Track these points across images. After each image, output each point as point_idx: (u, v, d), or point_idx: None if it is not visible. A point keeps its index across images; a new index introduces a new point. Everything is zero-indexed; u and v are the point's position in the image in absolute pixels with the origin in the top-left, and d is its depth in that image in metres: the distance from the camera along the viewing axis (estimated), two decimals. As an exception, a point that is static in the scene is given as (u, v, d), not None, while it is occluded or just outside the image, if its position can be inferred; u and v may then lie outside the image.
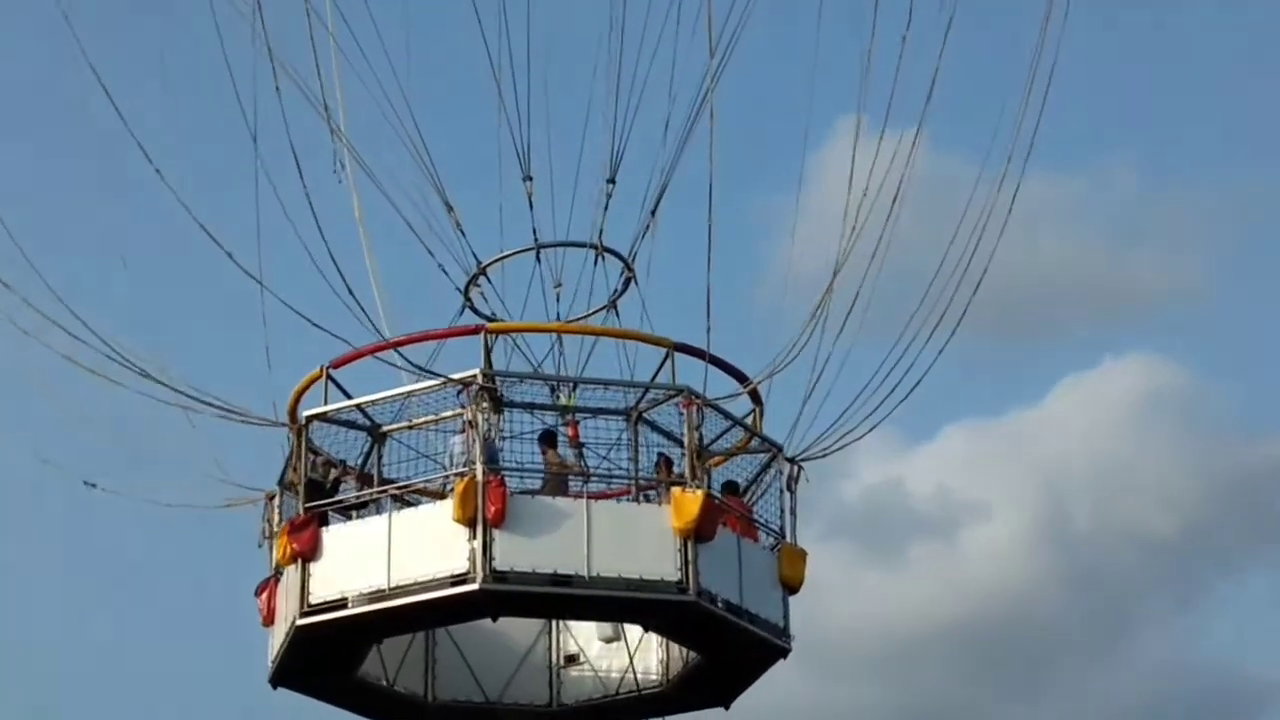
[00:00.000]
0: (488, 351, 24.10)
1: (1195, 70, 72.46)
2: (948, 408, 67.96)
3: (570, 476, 23.92)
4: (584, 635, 26.46)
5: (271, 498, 25.58)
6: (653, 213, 26.77)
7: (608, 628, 26.01)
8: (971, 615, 58.98)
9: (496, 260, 27.38)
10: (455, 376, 23.46)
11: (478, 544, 22.49)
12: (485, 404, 23.28)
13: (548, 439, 23.98)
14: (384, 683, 25.53)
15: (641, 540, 23.17)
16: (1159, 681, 58.88)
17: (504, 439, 23.98)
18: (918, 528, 62.13)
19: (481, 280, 27.23)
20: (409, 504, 24.51)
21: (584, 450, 24.39)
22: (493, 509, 22.64)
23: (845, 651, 57.83)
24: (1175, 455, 64.36)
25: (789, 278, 25.80)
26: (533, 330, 25.79)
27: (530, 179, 27.23)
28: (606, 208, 27.09)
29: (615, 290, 27.23)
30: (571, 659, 26.54)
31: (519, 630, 26.35)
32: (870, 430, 24.73)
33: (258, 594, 25.47)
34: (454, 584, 22.75)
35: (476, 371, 23.54)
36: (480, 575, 22.44)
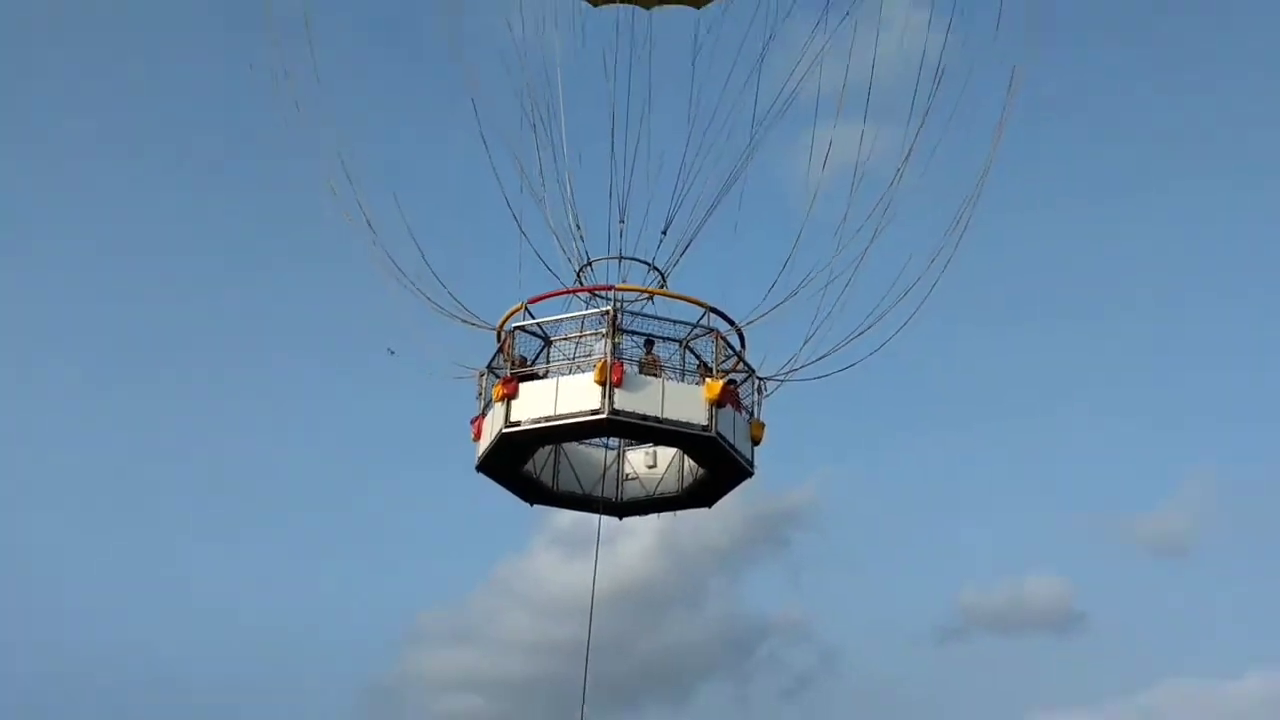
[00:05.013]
0: (616, 302, 46.16)
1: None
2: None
3: (658, 366, 46.10)
4: (636, 462, 48.61)
5: (482, 375, 47.39)
6: (663, 233, 48.98)
7: (650, 458, 48.17)
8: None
9: (600, 260, 49.39)
10: (599, 310, 45.62)
11: (605, 395, 44.55)
12: (612, 327, 45.39)
13: (649, 344, 46.10)
14: (534, 475, 47.51)
15: (689, 402, 45.20)
16: None
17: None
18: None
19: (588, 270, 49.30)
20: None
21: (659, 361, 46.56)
22: (616, 377, 44.64)
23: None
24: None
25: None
26: (639, 291, 47.88)
27: (623, 222, 49.26)
28: (660, 245, 49.27)
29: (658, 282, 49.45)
30: (628, 476, 48.59)
31: (603, 456, 48.49)
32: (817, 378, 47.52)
33: (472, 423, 47.18)
34: (591, 415, 44.66)
35: (610, 307, 45.65)
36: (606, 410, 44.39)
